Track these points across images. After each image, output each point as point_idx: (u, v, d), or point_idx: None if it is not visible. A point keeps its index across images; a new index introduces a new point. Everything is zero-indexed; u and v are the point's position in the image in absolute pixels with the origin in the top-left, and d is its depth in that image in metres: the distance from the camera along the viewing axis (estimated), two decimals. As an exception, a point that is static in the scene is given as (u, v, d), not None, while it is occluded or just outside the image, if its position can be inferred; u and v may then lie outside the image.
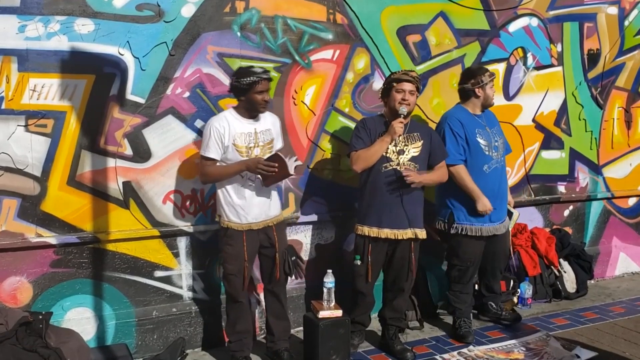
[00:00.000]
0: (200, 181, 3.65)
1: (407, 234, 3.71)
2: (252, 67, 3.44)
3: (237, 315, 3.61)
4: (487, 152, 4.06)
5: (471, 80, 4.09)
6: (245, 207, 3.47)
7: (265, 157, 3.40)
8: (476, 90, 4.07)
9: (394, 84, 3.68)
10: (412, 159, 3.71)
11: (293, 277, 3.71)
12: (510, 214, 4.37)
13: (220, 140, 3.39)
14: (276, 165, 3.31)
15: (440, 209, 4.21)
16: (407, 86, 3.66)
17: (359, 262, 3.74)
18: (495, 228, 4.11)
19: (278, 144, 3.67)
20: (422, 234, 3.77)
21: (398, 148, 3.69)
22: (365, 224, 3.75)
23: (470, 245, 4.10)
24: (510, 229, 4.48)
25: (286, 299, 3.80)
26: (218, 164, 3.46)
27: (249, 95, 3.38)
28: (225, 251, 3.53)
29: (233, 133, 3.41)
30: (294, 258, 3.69)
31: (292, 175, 3.43)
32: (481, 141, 4.04)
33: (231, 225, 3.48)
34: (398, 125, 3.58)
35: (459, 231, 4.08)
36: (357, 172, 3.72)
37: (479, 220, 4.05)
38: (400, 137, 3.68)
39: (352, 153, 3.70)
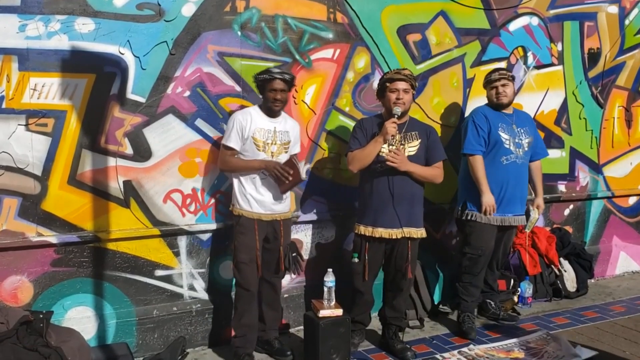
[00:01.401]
0: (219, 168, 3.78)
1: (402, 233, 3.71)
2: (272, 68, 3.66)
3: (245, 308, 3.66)
4: (507, 146, 4.18)
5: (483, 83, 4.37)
6: (258, 198, 3.61)
7: (283, 162, 3.53)
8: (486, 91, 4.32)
9: (387, 84, 3.68)
10: (409, 158, 3.71)
11: (291, 273, 3.79)
12: (528, 216, 4.45)
13: (241, 131, 3.57)
14: (291, 172, 3.47)
15: (458, 199, 4.39)
16: (401, 85, 3.64)
17: (356, 260, 3.75)
18: (502, 219, 4.20)
19: (295, 149, 3.81)
20: (418, 233, 3.77)
21: (394, 147, 3.69)
22: (362, 223, 3.77)
23: (482, 233, 4.19)
24: (527, 231, 4.68)
25: (280, 290, 3.91)
26: (237, 156, 3.61)
27: (264, 92, 3.59)
28: (237, 240, 3.64)
29: (254, 127, 3.57)
30: (294, 254, 3.79)
31: (304, 179, 3.55)
32: (503, 135, 4.18)
33: (243, 213, 3.61)
34: (391, 126, 3.57)
35: (470, 217, 4.20)
36: (353, 172, 3.75)
37: None
38: (397, 137, 3.68)
39: (348, 154, 3.73)
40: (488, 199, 4.10)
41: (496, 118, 4.21)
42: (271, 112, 3.64)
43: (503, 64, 4.91)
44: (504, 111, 4.27)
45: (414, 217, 3.76)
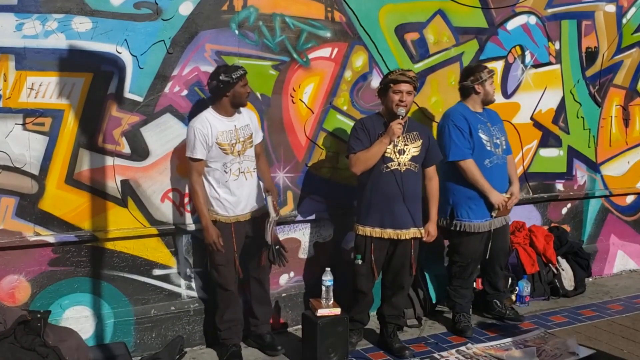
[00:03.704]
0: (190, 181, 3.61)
1: (409, 233, 3.72)
2: (230, 64, 3.65)
3: (226, 304, 3.70)
4: (488, 148, 4.10)
5: (470, 77, 4.14)
6: (232, 200, 3.60)
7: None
8: (476, 86, 4.12)
9: (391, 85, 3.65)
10: (413, 158, 3.71)
11: (277, 265, 3.80)
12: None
13: (204, 141, 3.49)
14: (221, 248, 3.52)
15: (442, 206, 4.21)
16: (405, 87, 3.62)
17: (359, 262, 3.74)
18: (490, 223, 4.16)
19: (258, 138, 3.79)
20: (421, 232, 3.78)
21: (398, 148, 3.69)
22: (366, 224, 3.74)
23: (471, 242, 4.15)
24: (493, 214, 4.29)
25: (269, 286, 3.94)
26: (205, 165, 3.56)
27: (236, 88, 3.52)
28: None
29: (215, 133, 3.52)
30: (277, 247, 3.75)
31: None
32: (483, 136, 4.09)
33: (219, 219, 3.60)
34: (397, 127, 3.57)
35: (459, 228, 4.13)
36: (356, 174, 3.71)
37: (477, 217, 4.11)
38: (400, 137, 3.68)
39: (351, 156, 3.69)
40: (497, 197, 4.05)
41: (474, 119, 4.10)
42: (236, 108, 3.61)
43: (501, 63, 4.91)
44: (476, 111, 4.15)
45: (417, 216, 3.77)
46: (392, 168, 3.67)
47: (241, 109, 3.71)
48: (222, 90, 3.52)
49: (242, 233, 3.67)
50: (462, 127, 4.04)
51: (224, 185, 3.57)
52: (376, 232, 3.72)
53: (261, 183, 3.81)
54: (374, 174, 3.69)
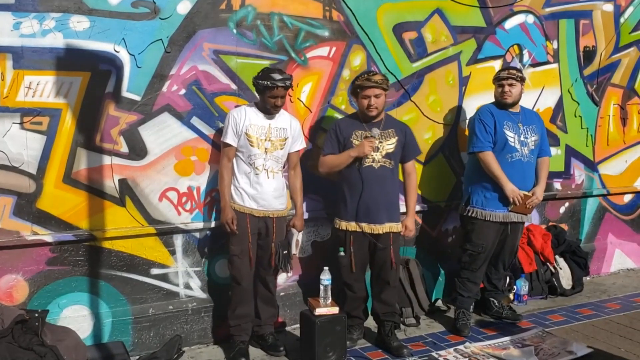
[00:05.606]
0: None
1: (384, 228, 3.77)
2: (274, 72, 3.58)
3: (238, 299, 3.74)
4: (512, 144, 4.20)
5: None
6: (251, 193, 3.66)
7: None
8: (496, 86, 4.32)
9: (359, 91, 3.73)
10: (387, 155, 3.77)
11: (281, 270, 3.85)
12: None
13: (235, 127, 3.62)
14: (235, 229, 3.62)
15: (463, 194, 4.44)
16: (371, 92, 3.68)
17: (342, 254, 3.80)
18: (504, 215, 4.22)
19: (295, 146, 3.85)
20: (397, 227, 3.83)
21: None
22: (343, 218, 3.84)
23: (483, 231, 4.23)
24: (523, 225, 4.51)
25: (275, 287, 3.97)
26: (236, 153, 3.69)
27: (263, 95, 3.61)
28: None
29: (247, 123, 3.63)
30: (285, 252, 3.80)
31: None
32: (508, 133, 4.20)
33: (235, 207, 3.67)
34: (368, 148, 3.66)
35: (471, 214, 4.24)
36: (321, 174, 3.89)
37: (491, 206, 4.20)
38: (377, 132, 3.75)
39: (321, 157, 3.85)
40: (511, 189, 4.13)
41: (502, 116, 4.24)
42: (265, 112, 3.68)
43: (499, 62, 4.92)
44: (510, 110, 4.28)
45: (394, 211, 3.84)
46: (366, 165, 3.73)
47: (283, 113, 3.78)
48: (256, 90, 3.67)
49: (255, 228, 3.70)
50: (487, 122, 4.20)
51: (247, 176, 3.67)
52: (352, 225, 3.79)
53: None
54: (349, 170, 3.77)
